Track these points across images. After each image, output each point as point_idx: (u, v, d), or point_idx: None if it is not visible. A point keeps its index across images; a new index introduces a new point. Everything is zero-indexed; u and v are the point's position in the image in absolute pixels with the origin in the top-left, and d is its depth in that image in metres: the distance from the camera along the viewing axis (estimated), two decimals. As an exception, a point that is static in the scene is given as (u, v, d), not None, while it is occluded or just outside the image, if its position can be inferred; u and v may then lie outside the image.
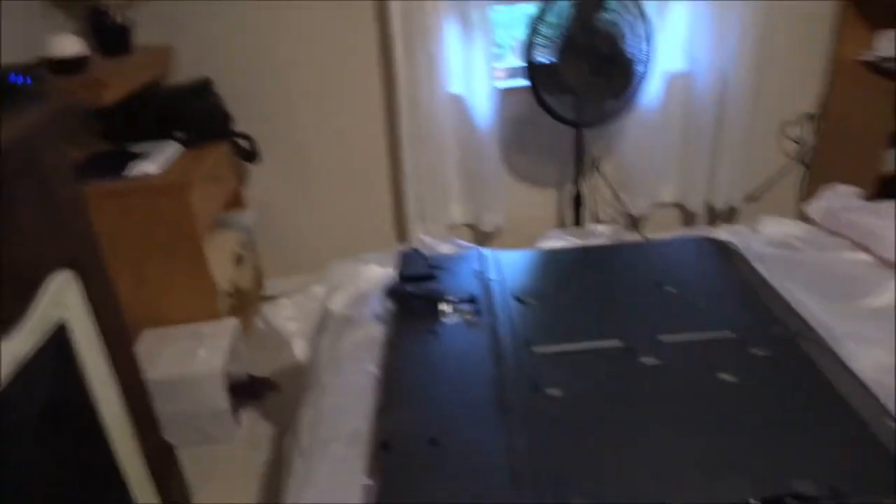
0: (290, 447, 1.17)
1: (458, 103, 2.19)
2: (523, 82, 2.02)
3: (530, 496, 0.86)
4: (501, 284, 1.36)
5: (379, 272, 1.54)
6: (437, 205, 2.33)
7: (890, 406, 1.01)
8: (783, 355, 1.10)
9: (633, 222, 2.46)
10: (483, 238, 2.44)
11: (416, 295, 1.30)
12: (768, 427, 0.96)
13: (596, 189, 2.43)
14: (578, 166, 2.21)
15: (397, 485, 0.90)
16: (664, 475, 0.87)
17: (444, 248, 1.58)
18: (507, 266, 1.44)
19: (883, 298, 1.29)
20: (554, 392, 1.04)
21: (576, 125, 2.05)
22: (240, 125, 2.11)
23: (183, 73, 2.05)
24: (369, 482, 0.97)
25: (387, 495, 0.88)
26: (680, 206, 2.51)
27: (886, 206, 1.54)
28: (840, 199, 1.61)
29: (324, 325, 1.44)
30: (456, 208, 2.40)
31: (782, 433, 0.95)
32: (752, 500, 0.79)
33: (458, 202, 2.39)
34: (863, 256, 1.47)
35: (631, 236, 2.21)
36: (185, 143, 1.87)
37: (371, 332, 1.33)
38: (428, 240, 1.61)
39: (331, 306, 1.47)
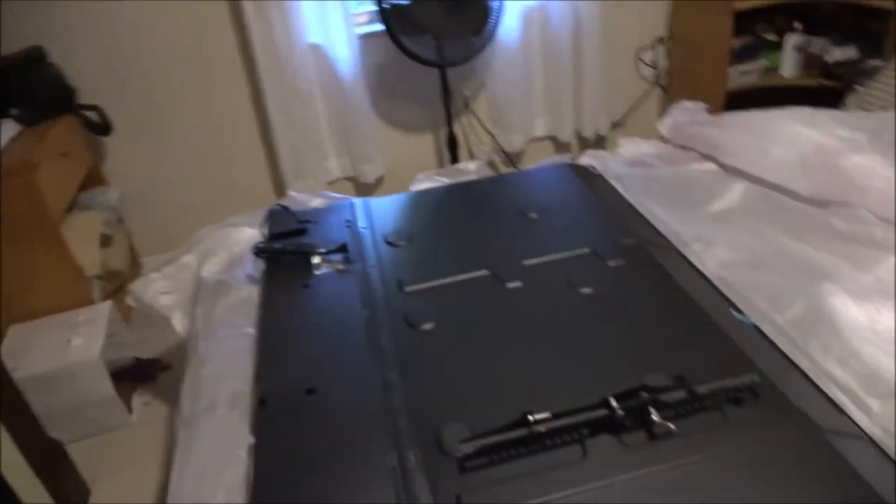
0: (175, 422, 1.15)
1: (319, 53, 2.13)
2: (382, 27, 1.99)
3: (408, 428, 0.89)
4: (372, 231, 1.37)
5: (251, 234, 1.50)
6: (313, 161, 2.29)
7: (732, 297, 1.11)
8: (635, 263, 1.18)
9: (510, 159, 2.51)
10: (366, 190, 2.43)
11: (284, 251, 1.29)
12: (624, 330, 1.03)
13: (471, 129, 2.46)
14: (448, 107, 2.22)
15: (276, 437, 0.90)
16: (532, 388, 0.92)
17: (316, 203, 1.56)
18: (378, 212, 1.44)
19: (725, 202, 1.39)
20: (427, 326, 1.07)
21: (439, 66, 2.06)
22: (86, 97, 1.96)
23: (8, 45, 1.88)
24: (253, 440, 0.98)
25: (264, 449, 0.88)
26: (553, 139, 2.59)
27: (728, 117, 1.64)
28: (686, 114, 1.70)
29: (198, 293, 1.40)
30: (333, 163, 2.36)
31: (637, 334, 1.02)
32: (610, 398, 0.84)
33: (334, 156, 2.36)
34: (709, 166, 1.57)
35: (499, 171, 2.27)
36: (22, 121, 1.73)
37: (245, 294, 1.30)
38: (299, 196, 1.58)
39: (203, 274, 1.43)
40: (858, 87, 1.91)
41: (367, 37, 2.17)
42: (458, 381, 0.96)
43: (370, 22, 2.20)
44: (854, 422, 0.86)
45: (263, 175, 2.35)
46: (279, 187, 2.34)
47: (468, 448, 0.82)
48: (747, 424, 0.84)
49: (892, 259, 1.10)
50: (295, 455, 0.86)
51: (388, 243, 1.32)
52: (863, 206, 1.22)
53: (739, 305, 1.08)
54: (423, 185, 1.59)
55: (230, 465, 0.94)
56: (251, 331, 1.20)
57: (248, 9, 1.98)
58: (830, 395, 0.90)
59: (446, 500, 0.78)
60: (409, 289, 1.17)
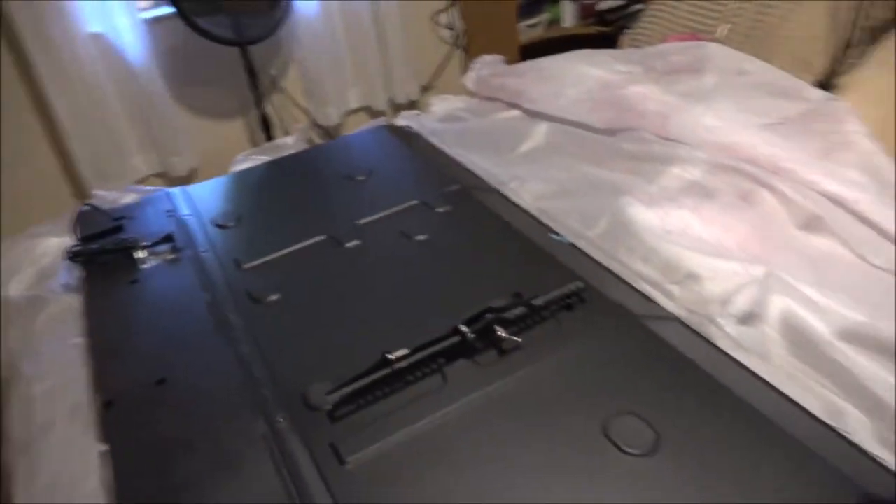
0: (7, 456, 1.04)
1: (102, 43, 1.97)
2: (170, 8, 1.89)
3: (272, 396, 0.89)
4: (197, 217, 1.32)
5: (59, 242, 1.38)
6: (115, 160, 2.13)
7: (549, 223, 1.22)
8: (462, 207, 1.25)
9: (328, 132, 2.51)
10: (180, 184, 2.30)
11: (103, 251, 1.21)
12: (461, 265, 1.10)
13: (284, 107, 2.42)
14: (256, 88, 2.16)
15: (131, 435, 0.86)
16: (387, 333, 0.95)
17: (128, 199, 1.47)
18: (200, 198, 1.39)
19: (532, 142, 1.51)
20: (273, 298, 1.07)
21: (238, 44, 1.99)
22: None
23: None
24: (104, 447, 0.92)
25: (120, 449, 0.84)
26: (368, 109, 2.62)
27: (523, 66, 1.77)
28: (487, 68, 1.81)
29: (6, 315, 1.27)
30: (139, 160, 2.22)
31: (472, 267, 1.10)
32: (459, 325, 0.90)
33: (139, 152, 2.21)
34: (514, 112, 1.69)
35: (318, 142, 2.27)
36: None
37: (66, 305, 1.20)
38: (108, 194, 1.48)
39: (10, 293, 1.30)
40: (627, 30, 2.14)
41: (155, 21, 2.04)
42: (315, 343, 0.97)
43: (156, 5, 2.07)
44: (661, 306, 1.00)
45: (58, 183, 2.14)
46: (81, 194, 2.16)
47: (335, 398, 0.85)
48: (579, 325, 0.94)
49: (672, 170, 1.27)
50: (156, 446, 0.83)
51: (217, 226, 1.28)
52: (644, 129, 1.38)
53: (556, 229, 1.20)
54: (242, 165, 1.56)
55: (83, 477, 0.88)
56: (79, 340, 1.12)
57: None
58: (640, 289, 1.04)
59: (321, 451, 0.80)
60: (248, 265, 1.15)
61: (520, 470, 0.75)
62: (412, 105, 2.68)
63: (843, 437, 0.78)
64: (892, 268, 1.03)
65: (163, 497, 0.76)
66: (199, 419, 0.86)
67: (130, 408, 0.90)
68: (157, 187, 1.50)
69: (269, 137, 2.25)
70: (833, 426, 0.80)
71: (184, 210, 1.34)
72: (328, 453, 0.79)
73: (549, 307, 0.95)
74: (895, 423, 0.80)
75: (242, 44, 2.02)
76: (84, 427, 0.96)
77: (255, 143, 2.43)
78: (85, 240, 1.26)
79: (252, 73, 2.12)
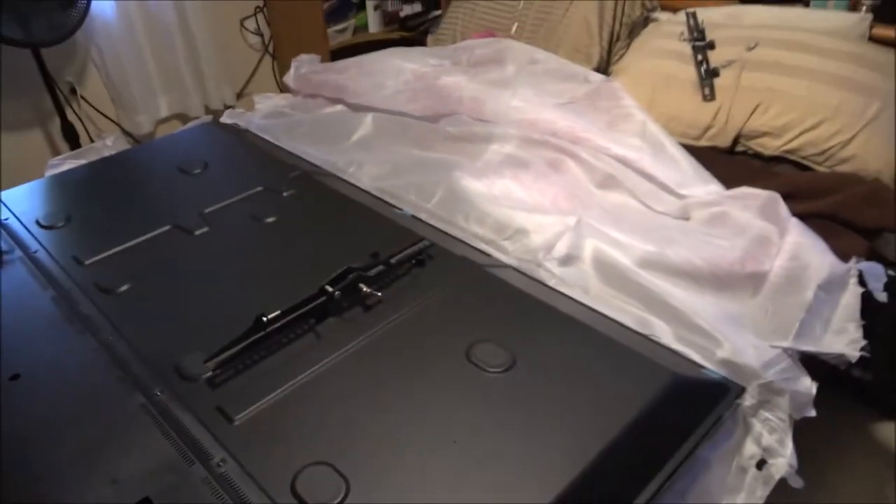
0: None
1: None
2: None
3: (144, 373, 0.89)
4: (20, 219, 1.24)
5: None
6: None
7: (390, 200, 1.32)
8: (306, 190, 1.32)
9: (139, 142, 2.39)
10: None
11: (-87, 260, 1.10)
12: (316, 239, 1.17)
13: (89, 117, 2.27)
14: (54, 95, 2.02)
15: (-10, 434, 0.82)
16: (252, 305, 0.95)
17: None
18: (15, 202, 1.30)
19: (362, 132, 1.60)
20: (124, 287, 1.05)
21: (28, 45, 1.85)
22: None
23: None
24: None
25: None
26: (182, 116, 2.53)
27: (343, 63, 1.86)
28: (306, 65, 1.88)
29: None
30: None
31: (327, 239, 1.17)
32: (325, 285, 0.97)
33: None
34: (339, 107, 1.78)
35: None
36: None
37: None
38: None
39: None
40: (430, 33, 2.33)
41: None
42: (178, 321, 0.98)
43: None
44: (498, 258, 1.15)
45: None
46: None
47: (212, 365, 0.87)
48: (432, 277, 1.06)
49: (491, 146, 1.44)
50: (25, 439, 0.80)
51: (44, 227, 1.21)
52: (462, 113, 1.54)
53: (397, 204, 1.31)
54: (59, 168, 1.47)
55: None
56: None
57: None
58: (479, 247, 1.18)
59: (208, 414, 0.82)
60: (89, 261, 1.12)
61: (396, 397, 0.84)
62: (229, 109, 2.64)
63: (653, 340, 0.97)
64: (670, 211, 1.28)
65: (51, 474, 0.74)
66: (69, 403, 0.84)
67: (-17, 408, 0.84)
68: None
69: (76, 148, 2.10)
70: (644, 333, 0.99)
71: (2, 214, 1.25)
72: (215, 415, 0.82)
73: (403, 264, 1.06)
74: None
75: (33, 45, 1.87)
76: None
77: (59, 154, 2.25)
78: None
79: (48, 79, 1.97)
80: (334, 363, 0.90)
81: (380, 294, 1.00)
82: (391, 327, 0.96)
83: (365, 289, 0.99)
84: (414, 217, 1.26)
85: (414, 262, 1.08)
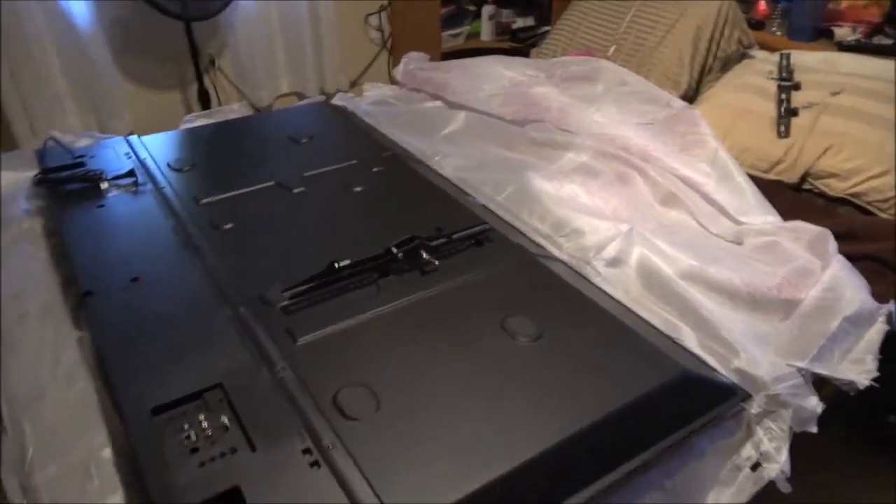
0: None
1: (50, 7, 2.06)
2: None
3: (234, 294, 1.07)
4: (154, 160, 1.47)
5: (11, 176, 1.49)
6: (50, 119, 2.20)
7: (466, 189, 1.46)
8: (393, 169, 1.48)
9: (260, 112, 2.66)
10: (111, 149, 2.39)
11: (70, 179, 1.34)
12: (392, 208, 1.34)
13: (220, 86, 2.55)
14: (197, 64, 2.30)
15: (110, 320, 1.02)
16: (329, 253, 1.12)
17: (84, 143, 1.59)
18: (155, 146, 1.54)
19: (453, 127, 1.76)
20: (229, 226, 1.25)
21: (183, 19, 2.13)
22: None
23: None
24: (81, 333, 1.07)
25: (101, 331, 0.99)
26: (299, 94, 2.79)
27: (448, 64, 2.03)
28: (415, 62, 2.06)
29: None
30: (76, 120, 2.29)
31: (402, 209, 1.33)
32: (392, 248, 1.12)
33: (75, 114, 2.28)
34: (437, 103, 1.94)
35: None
36: None
37: (28, 226, 1.33)
38: (64, 137, 1.59)
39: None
40: (535, 47, 2.46)
41: (105, -12, 2.15)
42: (269, 258, 1.16)
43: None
44: (550, 252, 1.26)
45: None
46: (11, 146, 2.20)
47: (288, 295, 1.04)
48: (486, 257, 1.19)
49: (568, 154, 1.56)
50: (136, 330, 0.99)
51: (174, 169, 1.44)
52: (548, 121, 1.66)
53: (472, 194, 1.45)
54: (192, 124, 1.71)
55: (62, 352, 1.03)
56: (44, 255, 1.25)
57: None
58: (535, 240, 1.30)
59: (278, 334, 0.99)
60: (205, 201, 1.32)
61: (435, 352, 0.97)
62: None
63: (676, 342, 1.06)
64: (724, 234, 1.35)
65: (153, 356, 0.93)
66: (172, 308, 1.03)
67: (108, 299, 1.05)
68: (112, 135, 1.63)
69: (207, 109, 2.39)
70: (671, 336, 1.08)
71: (141, 153, 1.49)
72: (284, 335, 0.99)
73: (463, 241, 1.19)
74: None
75: (187, 19, 2.15)
76: (58, 319, 1.10)
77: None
78: (49, 171, 1.38)
79: (194, 49, 2.25)
80: (387, 312, 1.05)
81: (437, 263, 1.14)
82: (441, 292, 1.09)
83: (425, 256, 1.13)
84: (484, 206, 1.39)
85: (474, 241, 1.21)
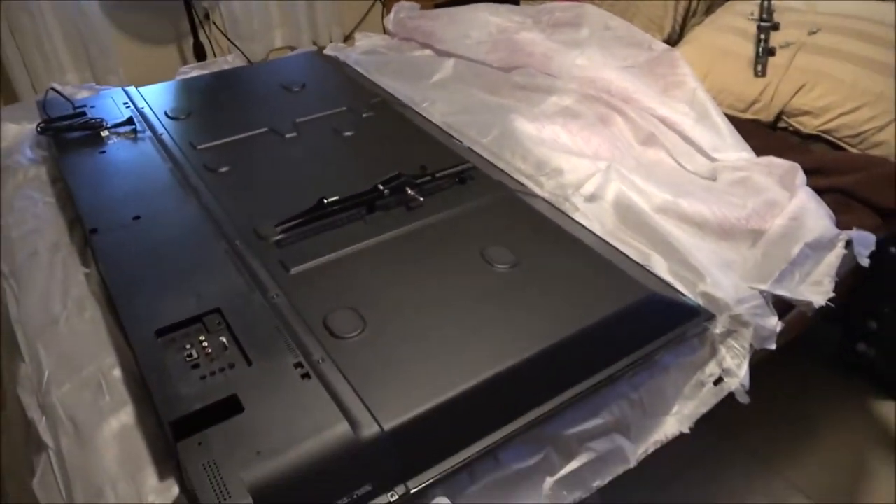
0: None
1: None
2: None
3: (230, 228, 1.13)
4: (152, 109, 1.52)
5: (14, 128, 1.54)
6: (49, 75, 2.24)
7: (452, 132, 1.51)
8: (383, 114, 1.53)
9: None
10: (110, 104, 2.43)
11: (72, 127, 1.40)
12: (380, 151, 1.39)
13: (214, 41, 2.58)
14: (192, 17, 2.33)
15: (116, 254, 1.09)
16: (320, 190, 1.18)
17: (84, 94, 1.64)
18: (152, 96, 1.59)
19: (441, 74, 1.80)
20: (224, 169, 1.31)
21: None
22: None
23: None
24: (87, 270, 1.14)
25: (107, 264, 1.06)
26: (292, 48, 2.82)
27: (436, 12, 2.05)
28: (405, 11, 2.08)
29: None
30: (72, 76, 2.33)
31: (389, 150, 1.39)
32: (378, 184, 1.18)
33: (72, 70, 2.33)
34: (427, 52, 1.97)
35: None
36: None
37: (34, 173, 1.39)
38: (64, 88, 1.64)
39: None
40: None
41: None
42: (262, 196, 1.23)
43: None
44: (531, 189, 1.32)
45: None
46: (12, 100, 2.26)
47: (280, 229, 1.11)
48: (469, 192, 1.25)
49: (551, 98, 1.60)
50: (139, 262, 1.06)
51: (171, 117, 1.49)
52: (532, 66, 1.70)
53: (458, 137, 1.50)
54: (188, 75, 1.76)
55: (71, 286, 1.11)
56: (52, 200, 1.32)
57: None
58: (518, 179, 1.35)
59: (272, 265, 1.06)
60: (201, 146, 1.38)
61: (418, 279, 1.04)
62: (336, 48, 2.90)
63: (646, 269, 1.12)
64: (700, 171, 1.40)
65: (155, 286, 1.00)
66: (172, 242, 1.10)
67: (113, 235, 1.12)
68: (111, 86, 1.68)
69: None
70: (641, 263, 1.14)
71: (139, 103, 1.54)
72: (277, 266, 1.06)
73: (447, 179, 1.25)
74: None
75: (180, -27, 2.18)
76: (67, 256, 1.18)
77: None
78: (51, 120, 1.44)
79: (188, 3, 2.28)
80: (374, 244, 1.11)
81: (421, 199, 1.20)
82: (425, 225, 1.16)
83: (410, 192, 1.19)
84: (469, 148, 1.45)
85: (457, 179, 1.27)
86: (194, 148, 1.38)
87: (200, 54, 2.40)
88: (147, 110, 1.52)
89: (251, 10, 2.55)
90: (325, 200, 1.13)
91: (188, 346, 0.91)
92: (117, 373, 0.96)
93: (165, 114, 1.51)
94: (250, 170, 1.32)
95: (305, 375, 0.87)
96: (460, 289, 1.02)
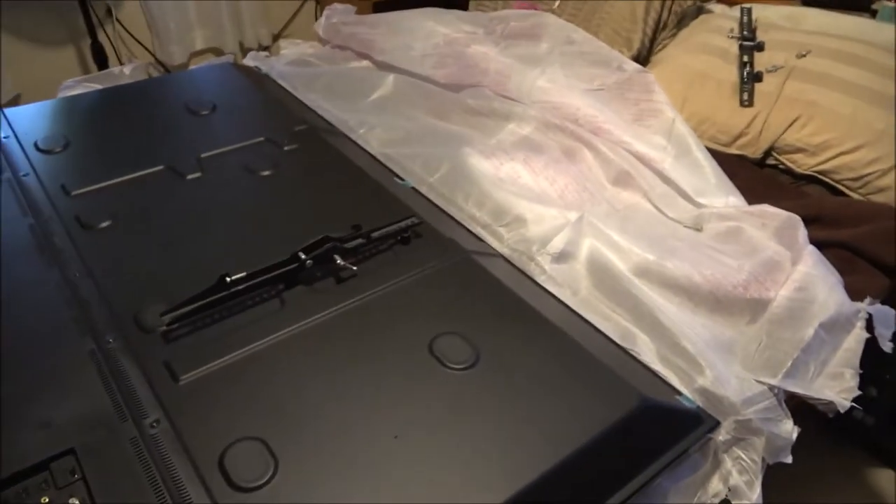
0: None
1: None
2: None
3: (103, 317, 0.87)
4: (18, 139, 1.22)
5: None
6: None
7: (394, 168, 1.27)
8: (309, 146, 1.28)
9: (169, 71, 2.38)
10: None
11: None
12: (304, 201, 1.13)
13: (122, 41, 2.25)
14: (87, 14, 2.00)
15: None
16: (226, 259, 0.92)
17: (-66, 117, 1.32)
18: (20, 121, 1.29)
19: (381, 91, 1.55)
20: (104, 224, 1.03)
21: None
22: None
23: None
24: None
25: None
26: (216, 50, 2.51)
27: (375, 17, 1.80)
28: (339, 16, 1.82)
29: None
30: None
31: (316, 202, 1.13)
32: (299, 252, 0.93)
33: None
34: (365, 63, 1.72)
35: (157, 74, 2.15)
36: None
37: None
38: None
39: None
40: (477, -2, 2.23)
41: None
42: (150, 267, 0.96)
43: None
44: (490, 245, 1.09)
45: None
46: None
47: (169, 318, 0.85)
48: (413, 257, 1.01)
49: (508, 125, 1.38)
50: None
51: (41, 150, 1.20)
52: (486, 86, 1.47)
53: (400, 173, 1.26)
54: (71, 92, 1.45)
55: None
56: None
57: None
58: (473, 230, 1.13)
59: (155, 369, 0.80)
60: (76, 192, 1.10)
61: (351, 385, 0.80)
62: (263, 50, 2.60)
63: (633, 356, 0.92)
64: (682, 219, 1.21)
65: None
66: (21, 338, 0.83)
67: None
68: (-31, 107, 1.36)
69: (104, 69, 2.09)
70: (625, 347, 0.93)
71: (2, 132, 1.24)
72: (162, 371, 0.80)
73: (385, 239, 1.01)
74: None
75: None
76: None
77: (87, 73, 2.25)
78: None
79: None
80: (293, 335, 0.87)
81: (355, 269, 0.96)
82: (358, 305, 0.92)
83: (339, 261, 0.95)
84: (414, 189, 1.21)
85: (399, 238, 1.03)
86: (67, 194, 1.09)
87: (102, 60, 2.07)
88: (12, 140, 1.22)
89: (165, 8, 2.23)
90: (229, 279, 0.87)
91: (24, 514, 0.65)
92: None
93: (35, 145, 1.21)
94: (138, 226, 1.04)
95: (187, 564, 0.62)
96: (404, 404, 0.79)
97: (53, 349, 0.81)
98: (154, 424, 0.74)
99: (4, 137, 1.23)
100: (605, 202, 1.23)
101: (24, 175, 1.13)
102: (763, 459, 0.85)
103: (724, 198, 1.22)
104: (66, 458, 0.70)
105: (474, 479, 0.71)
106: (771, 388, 0.88)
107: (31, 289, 0.90)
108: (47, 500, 0.66)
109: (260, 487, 0.69)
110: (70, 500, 0.66)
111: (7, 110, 1.31)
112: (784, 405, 0.88)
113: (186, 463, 0.70)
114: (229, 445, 0.72)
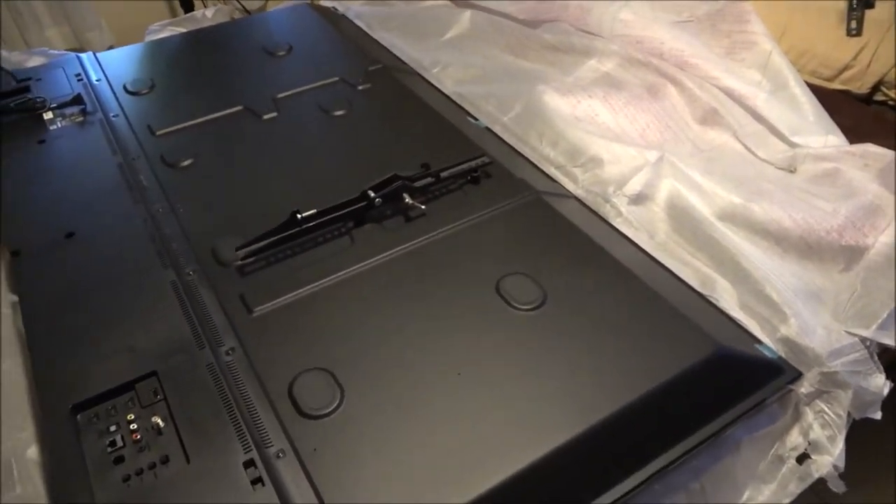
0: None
1: None
2: None
3: (182, 250, 0.91)
4: (109, 82, 1.28)
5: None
6: (26, 32, 1.99)
7: (467, 107, 1.25)
8: (382, 86, 1.26)
9: (249, 13, 2.40)
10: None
11: (7, 109, 1.16)
12: (375, 140, 1.13)
13: (204, -14, 2.29)
14: (174, -41, 2.04)
15: (40, 283, 0.87)
16: (298, 197, 0.93)
17: (35, 62, 1.40)
18: (112, 64, 1.34)
19: (456, 30, 1.51)
20: (186, 162, 1.07)
21: None
22: None
23: None
24: (16, 297, 0.93)
25: (29, 296, 0.85)
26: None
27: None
28: (416, -49, 1.77)
29: None
30: (53, 32, 2.08)
31: (386, 140, 1.13)
32: (368, 190, 0.93)
33: (52, 27, 2.07)
34: (441, 1, 1.68)
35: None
36: None
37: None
38: (11, 55, 1.40)
39: None
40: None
41: None
42: (227, 203, 0.99)
43: None
44: (563, 186, 1.06)
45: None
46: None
47: (244, 252, 0.88)
48: (483, 197, 0.99)
49: (588, 62, 1.32)
50: (64, 300, 0.84)
51: (129, 92, 1.25)
52: (565, 21, 1.41)
53: (474, 113, 1.23)
54: (157, 36, 1.50)
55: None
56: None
57: None
58: (546, 171, 1.10)
59: (230, 301, 0.83)
60: (161, 132, 1.14)
61: (417, 322, 0.81)
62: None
63: (711, 303, 0.88)
64: (774, 160, 1.13)
65: (72, 337, 0.78)
66: (108, 271, 0.87)
67: (39, 258, 0.90)
68: (66, 51, 1.43)
69: (189, 4, 2.14)
70: (704, 294, 0.89)
71: (94, 75, 1.30)
72: (237, 303, 0.83)
73: (455, 179, 1.00)
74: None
75: None
76: (-10, 281, 0.96)
77: (174, 12, 2.31)
78: (-16, 99, 1.21)
79: (170, -57, 1.99)
80: (362, 271, 0.88)
81: (423, 208, 0.95)
82: (427, 244, 0.92)
83: (408, 200, 0.94)
84: (487, 129, 1.19)
85: (469, 177, 1.02)
86: (153, 133, 1.14)
87: (188, 3, 2.12)
88: (103, 83, 1.28)
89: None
90: (300, 215, 0.89)
91: (112, 430, 0.70)
92: (33, 452, 0.75)
93: (124, 87, 1.26)
94: (217, 164, 1.08)
95: (257, 480, 0.65)
96: (468, 344, 0.79)
97: (139, 280, 0.86)
98: (229, 352, 0.77)
99: (97, 80, 1.28)
100: (689, 142, 1.17)
101: (114, 116, 1.18)
102: (849, 414, 0.80)
103: (822, 136, 1.13)
104: (150, 379, 0.74)
105: (536, 417, 0.71)
106: (862, 339, 0.82)
107: (120, 223, 0.95)
108: (132, 416, 0.71)
109: (326, 415, 0.71)
110: (153, 418, 0.70)
111: (100, 54, 1.37)
112: (877, 359, 0.82)
113: (258, 389, 0.73)
114: (298, 374, 0.74)
